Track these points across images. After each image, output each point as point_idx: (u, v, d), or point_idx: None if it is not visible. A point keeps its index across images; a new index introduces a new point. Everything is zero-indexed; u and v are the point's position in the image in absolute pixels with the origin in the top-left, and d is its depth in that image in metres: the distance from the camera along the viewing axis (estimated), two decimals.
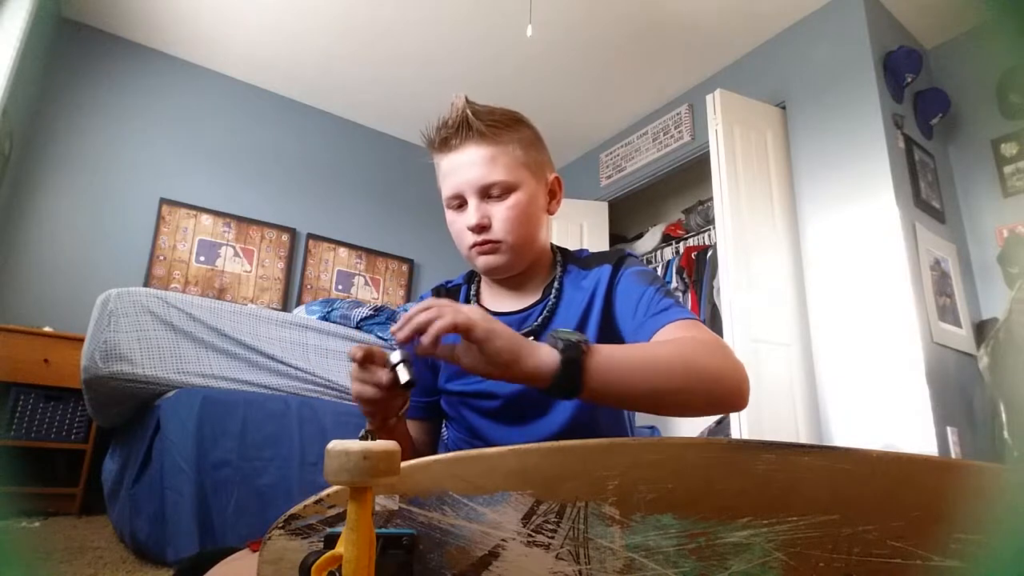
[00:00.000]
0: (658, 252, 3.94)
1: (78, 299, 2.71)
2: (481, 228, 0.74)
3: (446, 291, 0.88)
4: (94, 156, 3.11)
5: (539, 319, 0.77)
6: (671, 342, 0.60)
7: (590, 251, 0.84)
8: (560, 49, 3.23)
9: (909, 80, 2.66)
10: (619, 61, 3.32)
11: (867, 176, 2.54)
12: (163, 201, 3.27)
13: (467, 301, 0.85)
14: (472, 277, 0.88)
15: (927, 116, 2.77)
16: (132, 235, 3.15)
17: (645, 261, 3.91)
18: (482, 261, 0.76)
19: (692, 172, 3.64)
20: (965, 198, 2.84)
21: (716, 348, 0.59)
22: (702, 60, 3.29)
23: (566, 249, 0.85)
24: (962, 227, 2.82)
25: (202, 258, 3.35)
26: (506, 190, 0.74)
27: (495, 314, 0.80)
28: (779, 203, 2.80)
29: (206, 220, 3.39)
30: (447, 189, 0.76)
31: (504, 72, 3.45)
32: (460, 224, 0.76)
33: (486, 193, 0.74)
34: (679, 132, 3.45)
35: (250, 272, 3.49)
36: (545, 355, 0.50)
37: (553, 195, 0.82)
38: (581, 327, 0.75)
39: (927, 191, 2.63)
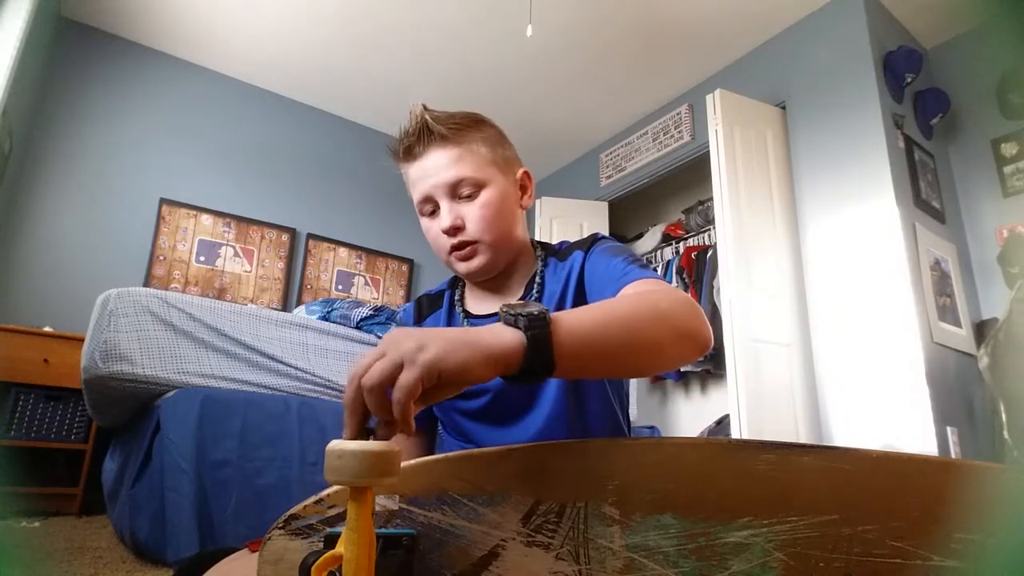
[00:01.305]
0: (658, 252, 3.93)
1: (78, 299, 2.71)
2: (455, 229, 0.73)
3: (429, 299, 0.88)
4: (94, 156, 3.11)
5: None
6: (631, 295, 0.57)
7: (570, 242, 0.84)
8: (560, 49, 3.23)
9: (909, 80, 2.66)
10: (619, 61, 3.32)
11: (867, 176, 2.54)
12: (163, 201, 3.27)
13: (451, 306, 0.84)
14: (456, 282, 0.87)
15: (927, 116, 2.77)
16: (132, 235, 3.15)
17: (645, 261, 3.91)
18: (462, 267, 0.76)
19: (692, 172, 3.64)
20: (965, 198, 2.84)
21: (675, 293, 0.57)
22: (702, 60, 3.29)
23: (547, 243, 0.85)
24: (962, 227, 2.82)
25: (202, 258, 3.35)
26: (476, 187, 0.73)
27: (479, 317, 0.80)
28: (779, 203, 2.80)
29: (206, 220, 3.39)
30: (417, 195, 0.76)
31: (504, 72, 3.45)
32: (435, 229, 0.75)
33: (455, 193, 0.73)
34: (679, 132, 3.45)
35: (250, 272, 3.49)
36: (508, 337, 0.43)
37: (524, 189, 0.82)
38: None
39: (927, 191, 2.63)
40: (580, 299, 0.75)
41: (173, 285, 3.23)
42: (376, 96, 3.76)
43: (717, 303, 3.01)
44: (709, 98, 2.77)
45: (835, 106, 2.71)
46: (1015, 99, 2.63)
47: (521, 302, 0.46)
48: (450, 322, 0.83)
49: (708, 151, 2.79)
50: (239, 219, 3.50)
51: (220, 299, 3.17)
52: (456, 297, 0.85)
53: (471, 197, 0.74)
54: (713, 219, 3.16)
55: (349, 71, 3.52)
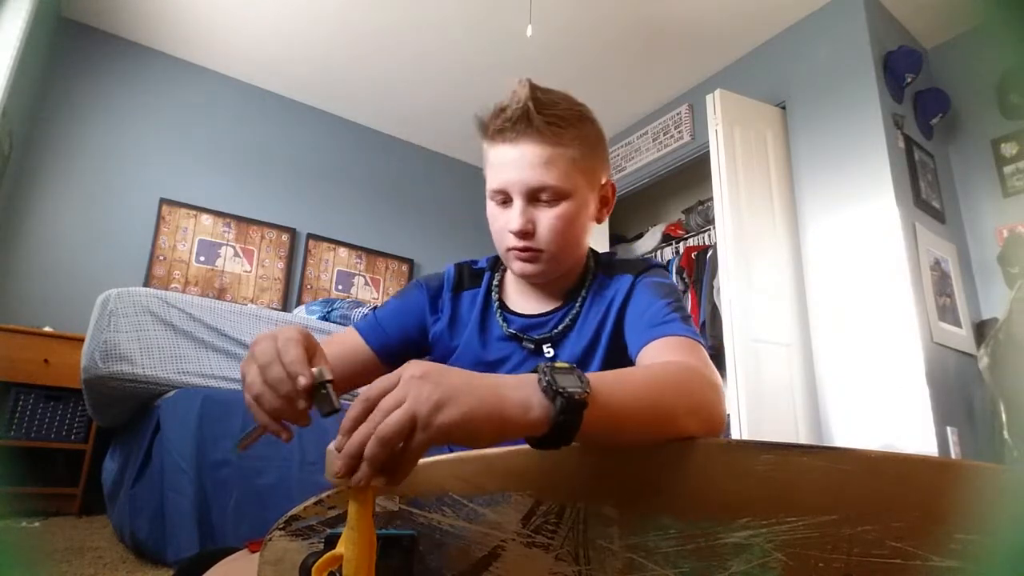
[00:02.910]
0: (658, 252, 3.93)
1: (78, 299, 2.71)
2: (524, 234, 0.70)
3: (471, 273, 0.84)
4: (94, 156, 3.11)
5: (559, 327, 0.75)
6: (667, 378, 0.53)
7: (617, 255, 0.82)
8: (560, 49, 3.23)
9: (909, 80, 2.66)
10: (619, 61, 3.31)
11: (867, 176, 2.54)
12: (163, 201, 3.27)
13: (488, 291, 0.81)
14: (497, 264, 0.84)
15: (927, 116, 2.77)
16: (132, 235, 3.15)
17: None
18: (518, 267, 0.73)
19: (692, 172, 3.63)
20: (965, 198, 2.84)
21: (708, 376, 0.55)
22: (702, 60, 3.29)
23: (598, 254, 0.83)
24: (962, 227, 2.82)
25: (202, 258, 3.35)
26: (556, 196, 0.69)
27: (515, 315, 0.78)
28: (779, 203, 2.80)
29: (206, 220, 3.39)
30: (493, 182, 0.71)
31: (504, 72, 3.44)
32: (502, 222, 0.72)
33: (534, 196, 0.69)
34: (679, 132, 3.45)
35: (250, 272, 3.49)
36: (535, 415, 0.40)
37: (605, 202, 0.78)
38: (595, 339, 0.74)
39: (927, 191, 2.63)
40: (619, 328, 0.73)
41: (173, 285, 3.23)
42: (376, 96, 3.76)
43: (717, 303, 3.01)
44: (709, 98, 2.77)
45: (835, 106, 2.71)
46: (1015, 99, 2.63)
47: (567, 366, 0.43)
48: (485, 312, 0.80)
49: (708, 151, 2.78)
50: (239, 219, 3.49)
51: (220, 299, 3.17)
52: (495, 283, 0.82)
53: (549, 203, 0.70)
54: (713, 219, 3.16)
55: (349, 71, 3.52)
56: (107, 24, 3.21)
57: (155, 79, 3.36)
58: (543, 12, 2.84)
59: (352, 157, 3.98)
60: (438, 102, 3.79)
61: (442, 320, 0.81)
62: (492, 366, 0.77)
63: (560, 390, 0.40)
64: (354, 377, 0.76)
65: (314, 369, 0.46)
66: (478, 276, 0.83)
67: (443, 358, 0.80)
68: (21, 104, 2.62)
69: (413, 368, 0.40)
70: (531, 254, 0.71)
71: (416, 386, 0.38)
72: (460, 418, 0.38)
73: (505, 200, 0.71)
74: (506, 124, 0.68)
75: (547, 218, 0.70)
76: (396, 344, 0.79)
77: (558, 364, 0.43)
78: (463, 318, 0.81)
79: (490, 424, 0.39)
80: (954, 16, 2.83)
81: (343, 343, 0.77)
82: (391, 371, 0.80)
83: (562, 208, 0.70)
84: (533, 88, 0.69)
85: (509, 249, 0.72)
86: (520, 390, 0.41)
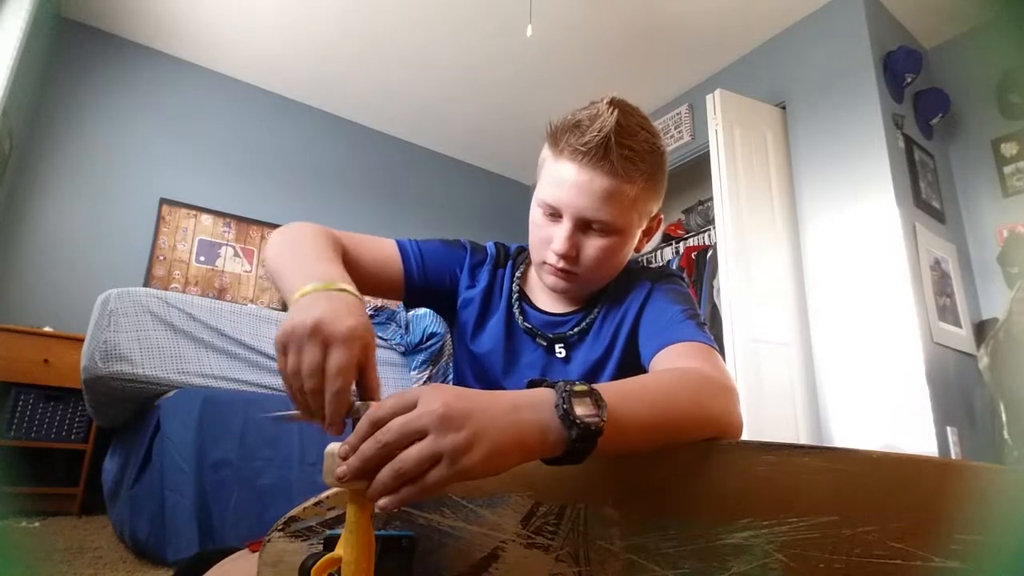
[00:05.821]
0: (658, 252, 3.93)
1: (78, 299, 2.71)
2: (565, 257, 0.70)
3: (504, 256, 0.85)
4: (94, 156, 3.11)
5: (575, 331, 0.76)
6: (682, 380, 0.54)
7: (638, 261, 0.82)
8: (560, 49, 3.23)
9: (909, 80, 2.66)
10: (619, 61, 3.31)
11: (867, 176, 2.53)
12: (163, 201, 3.27)
13: (511, 281, 0.82)
14: (520, 255, 0.84)
15: (927, 116, 2.77)
16: (132, 235, 3.15)
17: (645, 261, 3.91)
18: (550, 281, 0.73)
19: (692, 172, 3.63)
20: (965, 198, 2.84)
21: (724, 384, 0.56)
22: (702, 60, 3.29)
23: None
24: (962, 227, 2.82)
25: (202, 258, 3.35)
26: (607, 230, 0.69)
27: (535, 308, 0.79)
28: (779, 203, 2.80)
29: (206, 220, 3.39)
30: (548, 195, 0.70)
31: (504, 72, 3.45)
32: (544, 235, 0.71)
33: (586, 224, 0.69)
34: (679, 132, 3.45)
35: (250, 272, 3.49)
36: (553, 438, 0.40)
37: (649, 233, 0.78)
38: (610, 347, 0.75)
39: (927, 191, 2.63)
40: (633, 336, 0.74)
41: (173, 285, 3.22)
42: (376, 96, 3.75)
43: (717, 303, 3.01)
44: (709, 98, 2.77)
45: (835, 106, 2.71)
46: (1015, 99, 2.63)
47: (584, 387, 0.42)
48: (511, 302, 0.81)
49: (708, 151, 2.78)
50: (239, 219, 3.49)
51: (220, 299, 3.17)
52: (518, 275, 0.82)
53: (597, 233, 0.70)
54: (713, 219, 3.16)
55: (348, 71, 3.52)
56: (107, 24, 3.20)
57: (155, 79, 3.36)
58: (543, 12, 2.84)
59: (351, 157, 3.98)
60: (438, 102, 3.79)
61: (475, 289, 0.82)
62: (509, 355, 0.79)
63: (577, 420, 0.40)
64: (371, 286, 0.76)
65: (356, 404, 0.44)
66: (505, 261, 0.85)
67: (471, 326, 0.81)
68: (21, 104, 2.62)
69: (432, 401, 0.38)
70: (567, 275, 0.72)
71: (440, 424, 0.37)
72: (485, 457, 0.38)
73: (554, 215, 0.70)
74: (580, 147, 0.66)
75: (592, 247, 0.70)
76: (425, 285, 0.80)
77: (576, 387, 0.42)
78: (495, 296, 0.82)
79: (510, 456, 0.39)
80: (954, 16, 2.84)
81: (379, 253, 0.77)
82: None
83: (609, 241, 0.70)
84: (621, 115, 0.66)
85: (545, 263, 0.72)
86: (537, 413, 0.41)
